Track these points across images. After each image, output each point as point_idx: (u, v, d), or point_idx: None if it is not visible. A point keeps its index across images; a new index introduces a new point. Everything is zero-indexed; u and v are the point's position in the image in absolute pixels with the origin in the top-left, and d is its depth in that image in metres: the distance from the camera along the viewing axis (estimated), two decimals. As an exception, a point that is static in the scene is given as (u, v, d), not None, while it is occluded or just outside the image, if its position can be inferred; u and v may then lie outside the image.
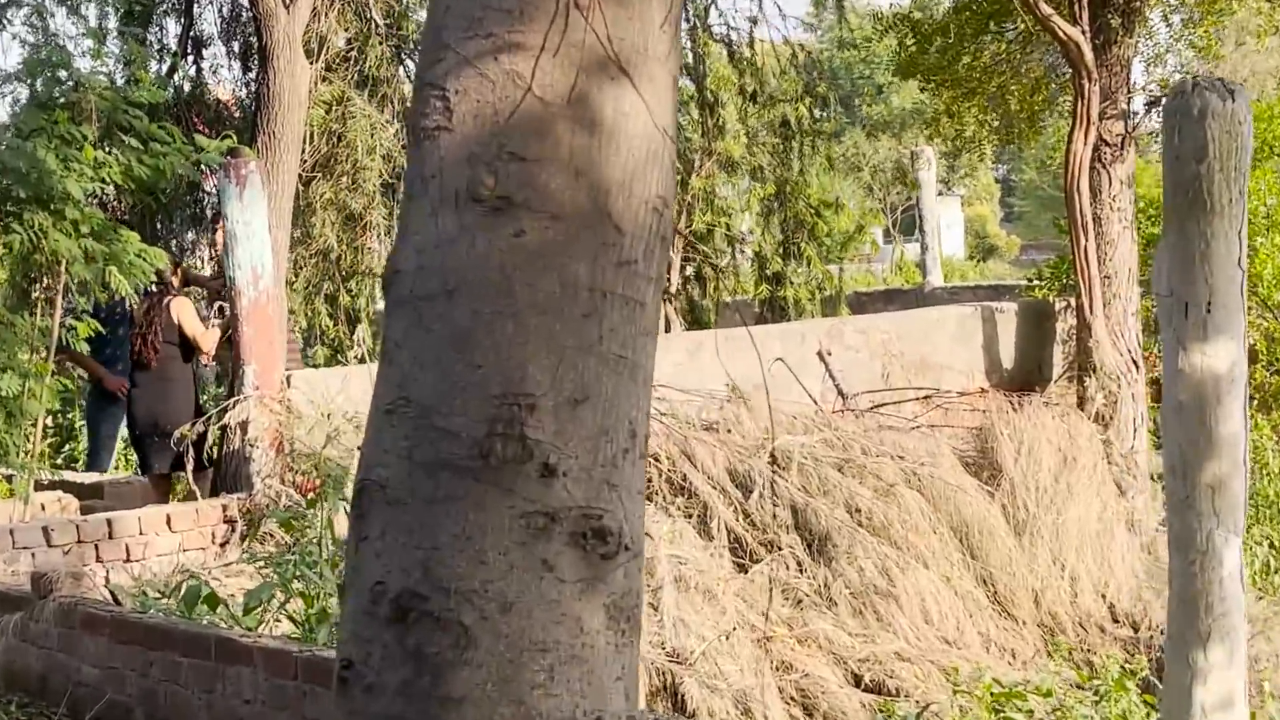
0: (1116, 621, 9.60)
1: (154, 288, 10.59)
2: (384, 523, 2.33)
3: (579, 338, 2.33)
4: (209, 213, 14.14)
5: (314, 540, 7.20)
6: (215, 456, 9.34)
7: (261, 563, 7.53)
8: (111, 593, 7.34)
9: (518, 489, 2.29)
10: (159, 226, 14.22)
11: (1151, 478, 11.68)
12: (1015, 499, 9.55)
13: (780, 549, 8.71)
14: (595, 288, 2.34)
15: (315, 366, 13.01)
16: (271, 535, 8.67)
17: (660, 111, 2.42)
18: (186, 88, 14.51)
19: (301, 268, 13.05)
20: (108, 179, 9.21)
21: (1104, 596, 9.66)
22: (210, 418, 9.29)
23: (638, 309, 2.40)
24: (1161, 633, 9.19)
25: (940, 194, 24.89)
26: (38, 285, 9.49)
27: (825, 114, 16.86)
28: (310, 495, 8.84)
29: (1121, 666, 8.75)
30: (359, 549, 2.36)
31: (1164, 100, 4.78)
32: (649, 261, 2.41)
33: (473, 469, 2.29)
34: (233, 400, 9.39)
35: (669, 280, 14.65)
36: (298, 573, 6.83)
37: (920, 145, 22.13)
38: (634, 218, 2.38)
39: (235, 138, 9.96)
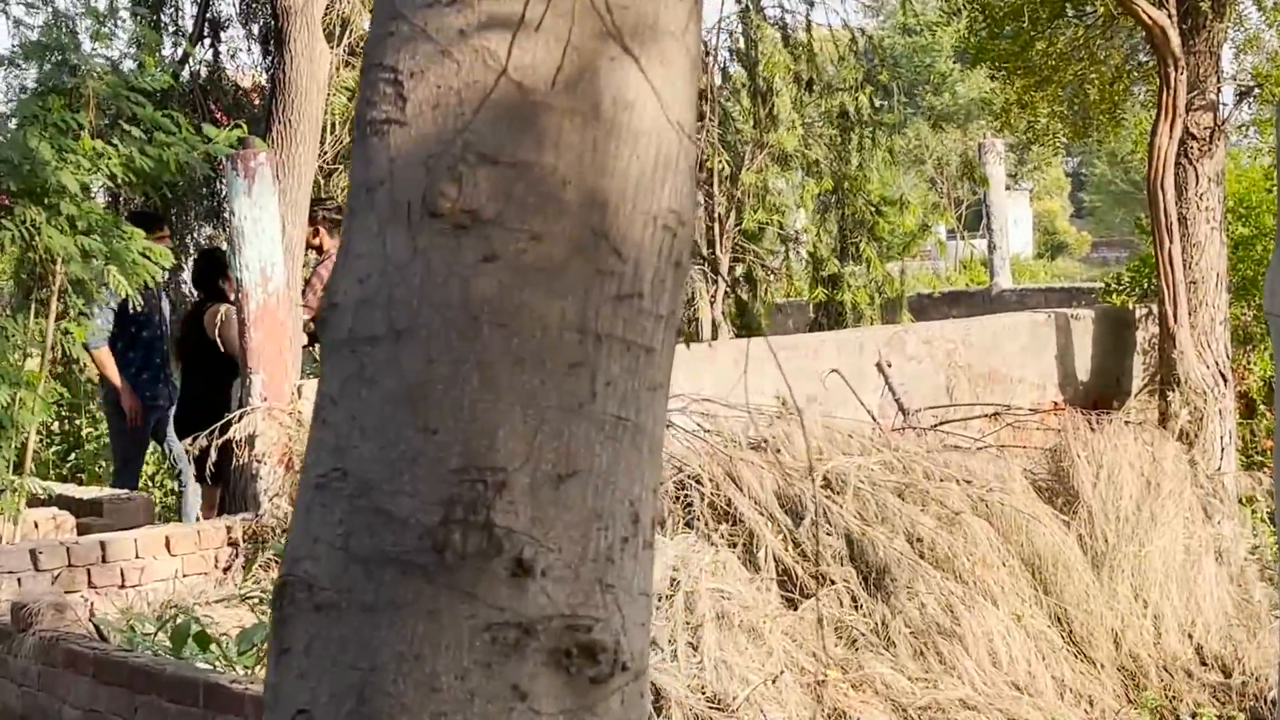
0: (1205, 664, 9.11)
1: (198, 295, 10.48)
2: (310, 633, 1.88)
3: (565, 394, 1.87)
4: (226, 208, 13.83)
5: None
6: (216, 472, 9.02)
7: (258, 598, 7.17)
8: (96, 626, 7.03)
9: (481, 593, 1.83)
10: (173, 222, 13.95)
11: (1240, 501, 11.18)
12: (1093, 528, 9.08)
13: (833, 583, 8.32)
14: (587, 330, 1.88)
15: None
16: (278, 562, 8.33)
17: (675, 102, 1.96)
18: (203, 73, 14.20)
19: (320, 267, 12.67)
20: (106, 171, 8.91)
21: (1190, 636, 9.18)
22: (213, 431, 8.94)
23: (642, 356, 1.93)
24: (1256, 679, 8.72)
25: (1008, 188, 24.32)
26: (41, 285, 9.24)
27: (887, 104, 16.37)
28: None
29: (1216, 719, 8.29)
30: (278, 664, 1.90)
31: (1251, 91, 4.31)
32: (658, 295, 1.95)
33: (424, 566, 1.83)
34: (239, 412, 9.07)
35: (713, 285, 14.22)
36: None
37: (988, 137, 21.56)
38: (639, 239, 1.92)
39: (246, 127, 9.65)
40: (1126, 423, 9.85)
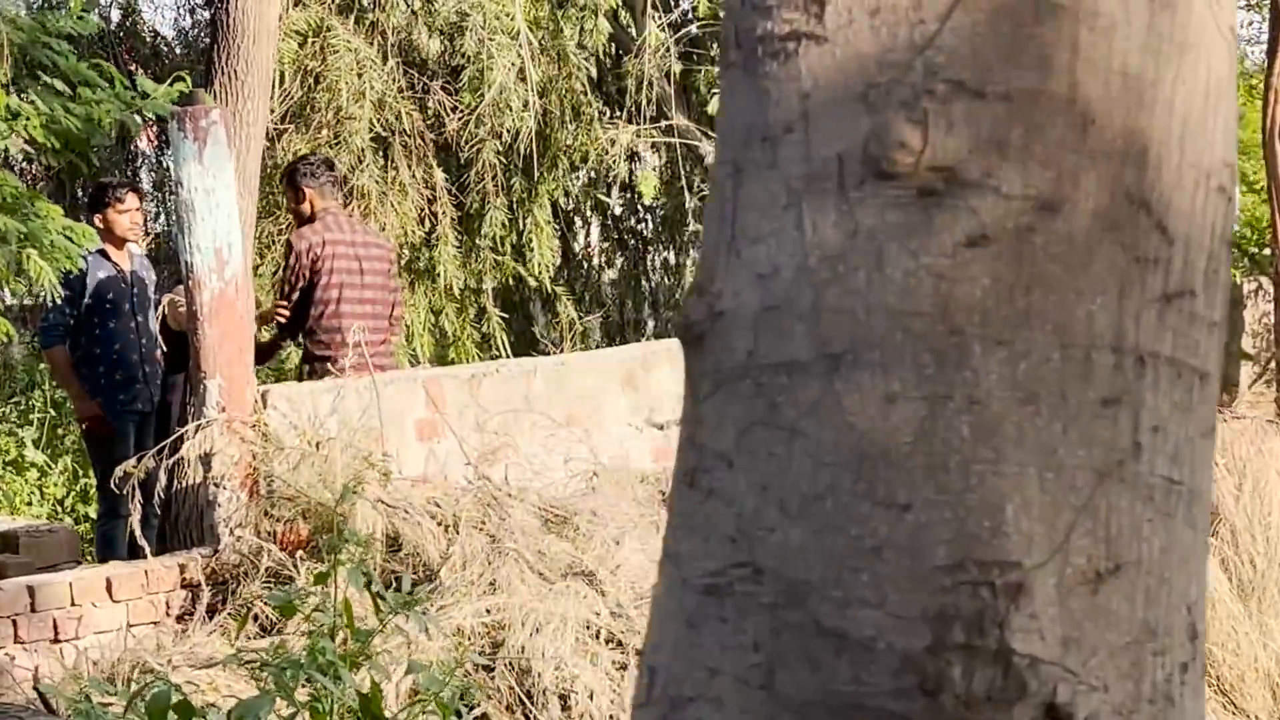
0: (1380, 716, 8.86)
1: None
2: (719, 819, 1.43)
3: (1097, 448, 1.42)
4: (149, 177, 13.49)
5: (325, 628, 6.37)
6: (165, 499, 8.61)
7: (258, 661, 6.74)
8: (41, 694, 6.69)
9: (999, 758, 1.38)
10: (80, 195, 13.56)
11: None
12: (1238, 550, 8.77)
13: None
14: (1124, 348, 1.44)
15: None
16: (249, 608, 7.93)
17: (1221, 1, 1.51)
18: (116, 16, 13.82)
19: (269, 247, 12.23)
20: (24, 133, 8.55)
21: (1362, 680, 8.91)
22: (164, 449, 8.51)
23: (1196, 386, 1.49)
24: None
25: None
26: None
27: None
28: (300, 554, 8.15)
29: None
30: None
31: None
32: (1211, 292, 1.50)
33: (906, 717, 1.37)
34: (192, 425, 8.64)
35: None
36: (306, 675, 6.01)
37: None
38: (1187, 206, 1.47)
39: (189, 80, 9.26)
40: (1269, 421, 9.53)
